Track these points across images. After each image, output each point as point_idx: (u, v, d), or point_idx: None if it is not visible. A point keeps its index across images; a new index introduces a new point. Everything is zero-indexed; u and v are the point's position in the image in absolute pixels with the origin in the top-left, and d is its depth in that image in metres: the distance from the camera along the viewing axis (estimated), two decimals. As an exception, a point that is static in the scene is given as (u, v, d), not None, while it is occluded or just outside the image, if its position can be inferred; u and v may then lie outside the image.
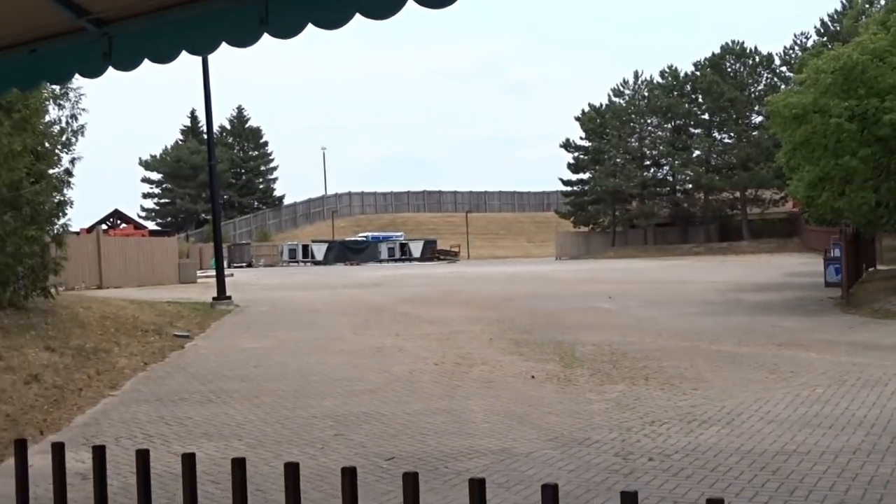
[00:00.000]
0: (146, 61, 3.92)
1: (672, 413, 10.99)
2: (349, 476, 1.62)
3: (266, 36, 3.55)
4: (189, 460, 1.75)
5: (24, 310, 17.89)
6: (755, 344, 17.04)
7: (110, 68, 4.05)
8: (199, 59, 29.12)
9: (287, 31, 3.45)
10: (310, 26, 3.42)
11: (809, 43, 71.53)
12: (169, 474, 7.92)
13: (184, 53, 3.82)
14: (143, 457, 1.85)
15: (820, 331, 19.03)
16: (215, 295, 27.28)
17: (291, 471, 1.73)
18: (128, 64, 3.96)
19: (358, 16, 3.29)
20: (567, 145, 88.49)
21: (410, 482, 1.57)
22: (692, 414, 10.90)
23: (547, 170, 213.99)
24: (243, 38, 3.57)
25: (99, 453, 1.92)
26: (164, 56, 3.83)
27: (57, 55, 4.18)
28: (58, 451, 2.01)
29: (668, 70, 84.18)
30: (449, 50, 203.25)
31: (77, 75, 4.23)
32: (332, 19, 3.32)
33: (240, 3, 3.53)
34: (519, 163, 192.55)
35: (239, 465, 1.70)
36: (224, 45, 3.73)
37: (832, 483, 7.83)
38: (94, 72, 4.07)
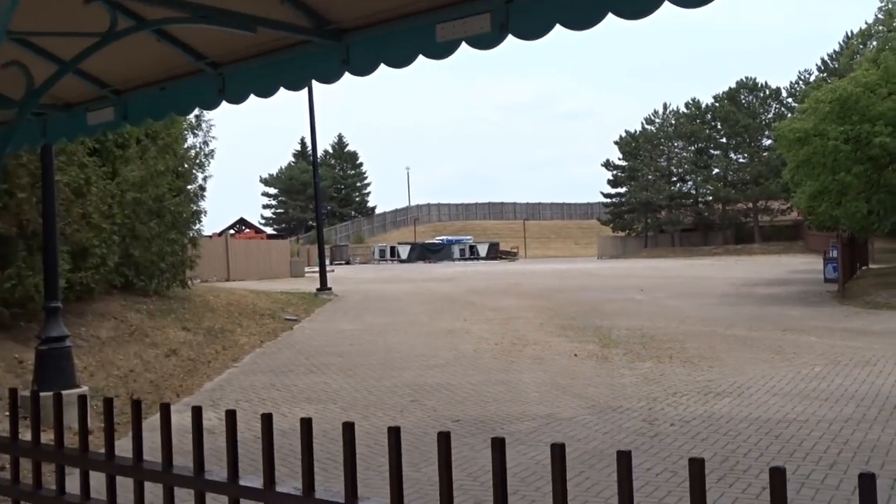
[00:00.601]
0: (252, 96, 3.95)
1: (691, 386, 10.80)
2: (394, 435, 1.60)
3: (347, 74, 3.54)
4: (307, 425, 1.74)
5: (166, 297, 18.23)
6: (763, 329, 16.67)
7: (224, 102, 4.08)
8: (305, 95, 29.47)
9: (363, 69, 3.43)
10: (382, 66, 3.41)
11: (812, 78, 69.96)
12: (276, 430, 7.98)
13: (282, 89, 3.83)
14: (267, 419, 1.84)
15: (819, 319, 18.57)
16: (318, 286, 27.53)
17: (349, 429, 1.70)
18: (237, 98, 3.99)
19: (421, 56, 3.27)
20: (607, 165, 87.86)
21: (444, 440, 1.53)
22: (708, 387, 10.70)
23: (590, 185, 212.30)
24: (328, 76, 3.57)
25: (231, 416, 1.93)
26: (266, 91, 3.85)
27: (181, 91, 4.22)
28: (196, 412, 2.03)
29: (691, 102, 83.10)
30: (510, 85, 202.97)
31: (197, 107, 4.28)
32: (399, 59, 3.30)
33: (325, 48, 3.52)
34: (567, 179, 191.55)
35: (349, 429, 1.68)
36: (314, 81, 3.74)
37: (827, 447, 7.62)
38: (210, 104, 4.11)
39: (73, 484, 2.46)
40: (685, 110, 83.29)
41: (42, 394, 2.56)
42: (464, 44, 3.12)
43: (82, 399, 2.38)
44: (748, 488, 6.44)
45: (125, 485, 2.33)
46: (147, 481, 2.25)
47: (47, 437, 2.60)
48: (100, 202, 14.32)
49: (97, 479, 2.38)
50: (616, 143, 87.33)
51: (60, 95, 4.68)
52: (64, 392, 2.62)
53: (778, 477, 1.27)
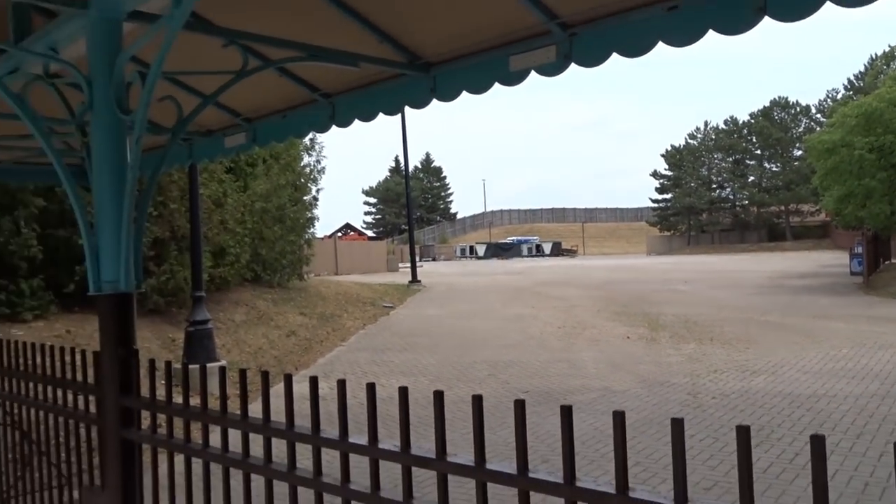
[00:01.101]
0: (356, 120, 3.99)
1: (730, 365, 10.49)
2: (478, 402, 1.59)
3: (434, 101, 3.55)
4: (404, 392, 1.76)
5: (287, 288, 18.62)
6: (795, 316, 16.07)
7: (333, 126, 4.14)
8: (399, 119, 29.73)
9: (448, 96, 3.44)
10: (464, 93, 3.41)
11: (839, 96, 67.06)
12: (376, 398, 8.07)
13: (380, 114, 3.86)
14: (371, 388, 1.87)
15: (846, 307, 17.79)
16: (410, 279, 27.74)
17: (439, 397, 1.70)
18: (345, 122, 4.04)
19: (496, 84, 3.26)
20: (655, 174, 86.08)
21: (520, 407, 1.52)
22: (745, 366, 10.37)
23: (640, 192, 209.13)
24: (419, 102, 3.58)
25: (341, 385, 1.97)
26: (368, 116, 3.88)
27: (298, 118, 4.30)
28: (313, 382, 2.07)
29: (729, 119, 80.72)
30: (574, 107, 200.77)
31: (312, 131, 4.35)
32: (478, 87, 3.29)
33: (416, 79, 3.54)
34: (620, 187, 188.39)
35: (440, 396, 1.69)
36: (407, 107, 3.76)
37: (854, 419, 7.31)
38: (323, 128, 4.16)
39: (214, 439, 2.53)
40: (724, 126, 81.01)
41: (190, 366, 2.64)
42: (532, 71, 3.09)
43: (222, 370, 2.44)
44: (782, 454, 6.22)
45: (255, 440, 2.38)
46: (273, 438, 2.30)
47: (194, 401, 2.68)
48: (234, 211, 14.72)
49: (233, 436, 2.45)
50: (662, 155, 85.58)
51: (203, 123, 4.83)
52: (207, 364, 2.70)
53: (818, 443, 1.21)
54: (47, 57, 2.75)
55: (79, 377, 3.27)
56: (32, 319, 10.59)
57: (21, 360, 3.63)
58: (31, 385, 3.61)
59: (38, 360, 3.54)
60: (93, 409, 3.19)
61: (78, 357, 3.32)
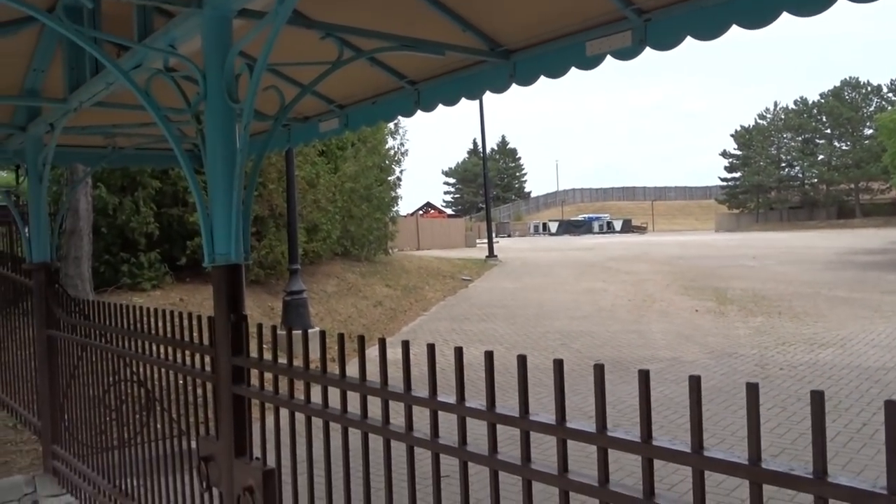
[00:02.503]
0: (440, 105, 4.00)
1: (798, 338, 10.11)
2: (558, 366, 1.60)
3: (514, 85, 3.52)
4: (489, 356, 1.78)
5: (373, 262, 18.92)
6: (863, 291, 15.31)
7: (419, 110, 4.17)
8: (477, 104, 29.56)
9: (527, 80, 3.41)
10: (542, 77, 3.37)
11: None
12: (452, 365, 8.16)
13: (463, 99, 3.86)
14: (459, 352, 1.91)
15: (916, 283, 16.85)
16: (487, 254, 27.71)
17: (523, 361, 1.72)
18: (429, 107, 4.05)
19: (573, 68, 3.21)
20: (724, 154, 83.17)
21: (599, 371, 1.52)
22: (813, 339, 9.98)
23: (709, 171, 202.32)
24: (499, 87, 3.56)
25: (431, 349, 2.01)
26: (451, 101, 3.89)
27: (386, 104, 4.35)
28: (405, 345, 2.13)
29: (799, 99, 77.05)
30: (642, 89, 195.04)
31: (399, 115, 4.39)
32: (556, 71, 3.25)
33: (496, 65, 3.52)
34: (690, 166, 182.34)
35: (523, 361, 1.72)
36: (488, 91, 3.74)
37: (923, 392, 6.95)
38: (409, 113, 4.20)
39: (315, 396, 2.62)
40: (793, 107, 77.35)
41: (294, 331, 2.73)
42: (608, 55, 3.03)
43: (322, 334, 2.52)
44: (850, 423, 5.98)
45: (352, 398, 2.46)
46: (369, 395, 2.36)
47: (296, 361, 2.78)
48: (326, 191, 15.02)
49: (332, 394, 2.53)
50: (732, 135, 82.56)
51: (300, 110, 4.94)
52: (308, 330, 2.79)
53: (892, 408, 1.17)
54: (167, 52, 2.86)
55: (195, 339, 3.43)
56: (150, 289, 11.14)
57: (144, 323, 3.83)
58: (153, 346, 3.80)
59: (160, 324, 3.73)
60: (208, 367, 3.35)
61: (195, 321, 3.48)
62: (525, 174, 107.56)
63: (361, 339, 2.43)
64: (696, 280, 18.64)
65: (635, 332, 11.13)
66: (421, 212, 65.50)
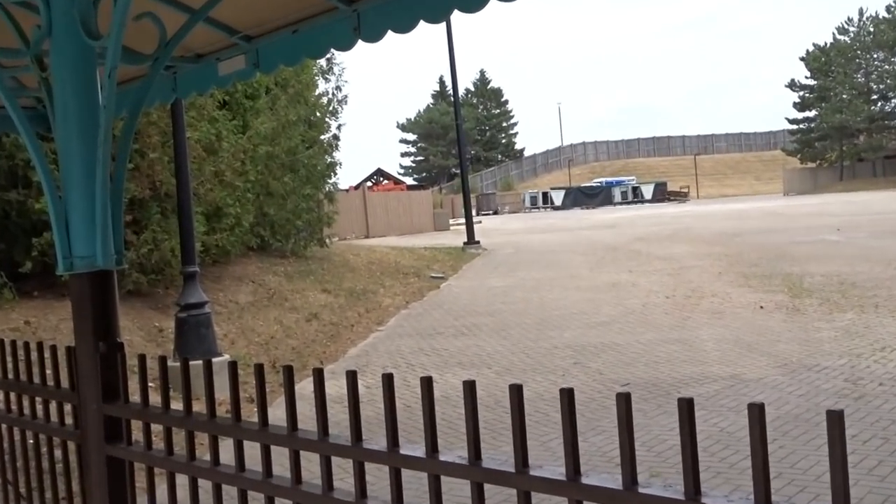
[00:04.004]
0: (389, 32, 3.99)
1: (903, 340, 10.31)
2: (567, 398, 1.62)
3: (493, 1, 3.51)
4: (469, 388, 1.80)
5: (304, 258, 18.89)
6: None
7: (360, 41, 4.15)
8: (444, 30, 29.55)
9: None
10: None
11: None
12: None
13: (421, 22, 3.85)
14: (427, 383, 1.93)
15: None
16: (465, 240, 27.84)
17: (517, 392, 1.74)
18: (374, 35, 4.03)
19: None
20: (792, 85, 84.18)
21: (624, 403, 1.54)
22: (924, 341, 10.19)
23: (772, 110, 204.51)
24: (472, 5, 3.56)
25: (388, 380, 2.02)
26: (405, 26, 3.88)
27: (314, 33, 4.32)
28: (352, 377, 2.13)
29: (893, 5, 77.90)
30: (673, 2, 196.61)
31: (332, 49, 4.36)
32: None
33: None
34: (745, 105, 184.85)
35: (517, 392, 1.73)
36: (456, 11, 3.74)
37: None
38: (346, 45, 4.17)
39: (226, 455, 2.62)
40: (886, 15, 78.36)
41: (192, 362, 2.73)
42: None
43: (233, 366, 2.52)
44: (977, 457, 6.13)
45: (278, 454, 2.46)
46: (303, 451, 2.37)
47: (196, 406, 2.77)
48: (232, 158, 14.94)
49: (250, 449, 2.53)
50: (802, 59, 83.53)
51: (190, 46, 4.88)
52: (212, 360, 2.79)
53: None
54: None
55: (49, 381, 3.40)
56: (-18, 309, 10.99)
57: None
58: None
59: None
60: (69, 420, 3.31)
61: (48, 354, 3.43)
62: (515, 124, 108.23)
63: (289, 371, 2.43)
64: (759, 264, 18.88)
65: (677, 341, 11.26)
66: (370, 183, 65.40)
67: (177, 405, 2.84)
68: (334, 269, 18.78)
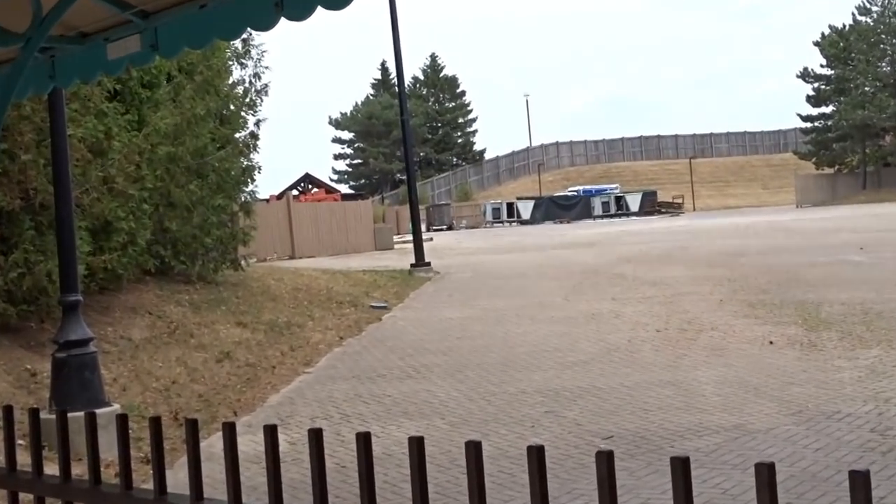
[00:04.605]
0: (319, 8, 3.98)
1: (939, 382, 10.47)
2: (536, 456, 1.61)
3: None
4: (416, 447, 1.79)
5: (214, 284, 18.72)
6: None
7: (283, 19, 4.13)
8: (387, 6, 29.58)
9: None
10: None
11: None
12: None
13: (357, -4, 3.85)
14: (365, 439, 1.90)
15: None
16: (413, 261, 27.79)
17: (474, 449, 1.74)
18: (301, 12, 4.03)
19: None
20: (805, 75, 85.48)
21: (605, 463, 1.54)
22: (964, 382, 10.35)
23: (782, 105, 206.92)
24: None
25: (315, 436, 1.99)
26: (338, 1, 3.88)
27: (226, 9, 4.30)
28: (270, 432, 2.10)
29: (925, -21, 79.67)
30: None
31: (249, 29, 4.35)
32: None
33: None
34: (749, 99, 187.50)
35: (474, 449, 1.72)
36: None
37: None
38: (265, 24, 4.16)
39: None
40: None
41: (70, 414, 2.68)
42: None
43: (122, 419, 2.48)
44: None
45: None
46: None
47: (77, 470, 2.73)
48: (125, 161, 14.76)
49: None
50: (816, 44, 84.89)
51: (72, 23, 4.83)
52: (96, 411, 2.74)
53: None
54: None
55: None
56: None
57: None
58: None
59: None
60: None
61: None
62: (474, 121, 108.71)
63: (193, 425, 2.39)
64: (768, 291, 19.09)
65: (671, 383, 11.32)
66: (296, 192, 65.17)
67: (52, 468, 2.78)
68: (251, 297, 18.64)
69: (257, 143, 21.42)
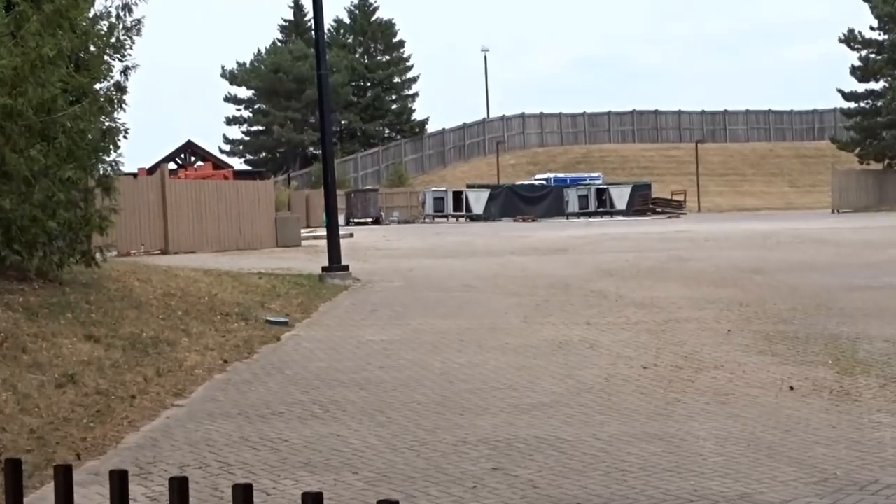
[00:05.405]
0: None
1: None
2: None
3: None
4: (313, 499, 1.78)
5: (59, 283, 18.51)
6: None
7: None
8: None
9: None
10: None
11: None
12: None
13: None
14: (244, 493, 1.89)
15: None
16: (326, 264, 27.68)
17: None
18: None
19: None
20: (850, 39, 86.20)
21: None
22: None
23: (819, 77, 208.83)
24: None
25: (179, 485, 1.98)
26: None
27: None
28: (119, 480, 2.07)
29: None
30: None
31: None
32: None
33: None
34: (776, 68, 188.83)
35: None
36: None
37: None
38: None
39: None
40: None
41: None
42: None
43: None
44: None
45: None
46: None
47: None
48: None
49: None
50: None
51: None
52: None
53: None
54: None
55: None
56: None
57: None
58: None
59: None
60: None
61: None
62: (415, 81, 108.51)
63: (14, 468, 2.36)
64: (789, 320, 19.21)
65: (658, 438, 11.35)
66: (174, 165, 64.70)
67: None
68: (108, 302, 18.44)
69: (124, 97, 21.19)
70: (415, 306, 22.44)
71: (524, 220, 73.02)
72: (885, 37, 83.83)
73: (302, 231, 45.79)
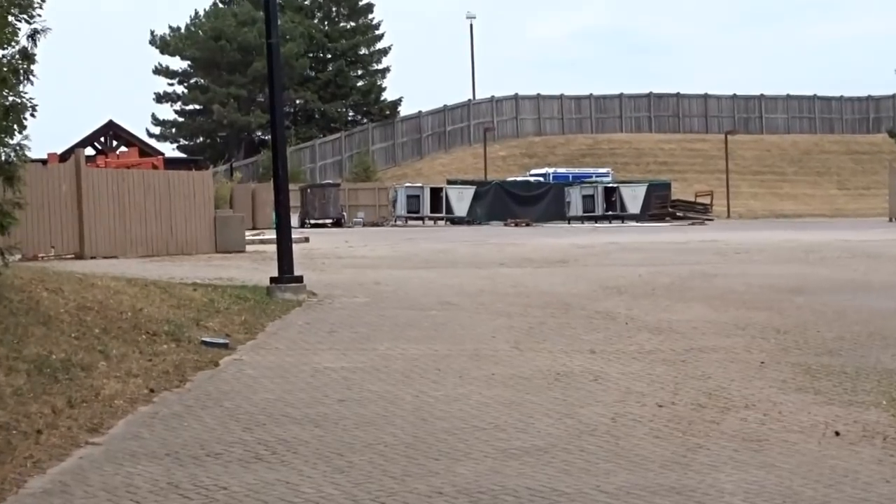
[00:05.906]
0: None
1: None
2: None
3: None
4: None
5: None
6: None
7: None
8: None
9: None
10: None
11: None
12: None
13: None
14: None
15: None
16: (275, 275, 27.69)
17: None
18: None
19: None
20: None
21: None
22: None
23: (876, 58, 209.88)
24: None
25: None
26: None
27: None
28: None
29: None
30: None
31: None
32: None
33: None
34: (824, 47, 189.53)
35: None
36: None
37: None
38: None
39: None
40: None
41: None
42: None
43: None
44: None
45: None
46: None
47: None
48: None
49: None
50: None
51: None
52: None
53: None
54: None
55: None
56: None
57: None
58: None
59: None
60: None
61: None
62: (386, 53, 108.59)
63: None
64: (836, 352, 19.26)
65: (676, 491, 11.36)
66: (92, 150, 64.54)
67: None
68: (9, 316, 18.41)
69: (32, 67, 21.19)
70: (382, 327, 22.43)
71: (516, 225, 73.18)
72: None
73: (247, 233, 45.71)
